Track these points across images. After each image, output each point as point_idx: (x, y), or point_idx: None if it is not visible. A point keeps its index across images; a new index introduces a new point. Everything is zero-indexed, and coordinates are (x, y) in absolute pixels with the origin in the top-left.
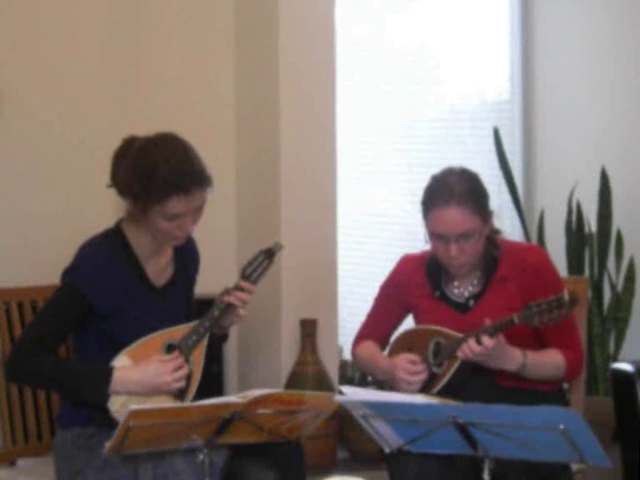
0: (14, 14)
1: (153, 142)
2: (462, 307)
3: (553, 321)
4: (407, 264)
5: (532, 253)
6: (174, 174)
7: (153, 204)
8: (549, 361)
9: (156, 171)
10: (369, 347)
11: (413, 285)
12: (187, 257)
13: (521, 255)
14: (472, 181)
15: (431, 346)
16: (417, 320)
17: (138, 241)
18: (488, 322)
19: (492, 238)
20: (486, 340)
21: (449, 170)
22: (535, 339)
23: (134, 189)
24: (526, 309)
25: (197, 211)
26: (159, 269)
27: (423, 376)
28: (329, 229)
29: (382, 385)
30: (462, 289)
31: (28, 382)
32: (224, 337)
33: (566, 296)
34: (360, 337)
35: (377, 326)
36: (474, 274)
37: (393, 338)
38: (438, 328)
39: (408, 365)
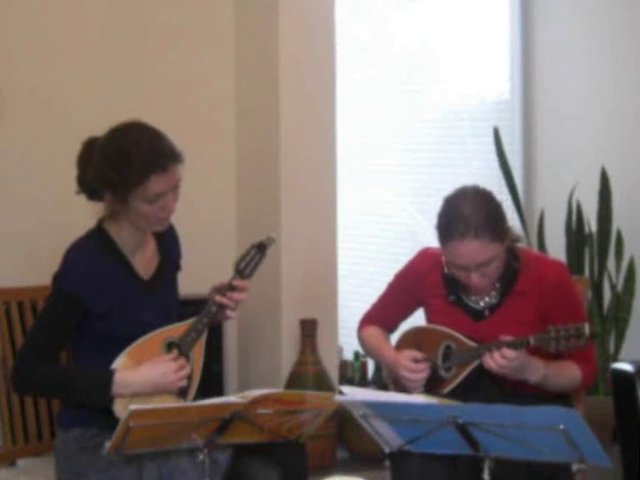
0: (18, 8)
1: (118, 130)
2: (477, 314)
3: (568, 349)
4: (426, 259)
5: (552, 271)
6: (149, 154)
7: (134, 188)
8: (568, 374)
9: (130, 155)
10: (376, 334)
11: (428, 283)
12: (168, 243)
13: (541, 271)
14: (487, 204)
15: (441, 349)
16: (428, 317)
17: (122, 237)
18: (504, 338)
19: (513, 249)
20: (508, 353)
21: (462, 194)
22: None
23: (112, 179)
24: (544, 332)
25: (175, 189)
26: (145, 261)
27: (424, 375)
28: (329, 229)
29: (385, 383)
30: (478, 298)
31: (34, 393)
32: (218, 326)
33: (586, 328)
34: (368, 319)
35: (386, 312)
36: (492, 286)
37: (403, 332)
38: (451, 332)
39: (410, 364)
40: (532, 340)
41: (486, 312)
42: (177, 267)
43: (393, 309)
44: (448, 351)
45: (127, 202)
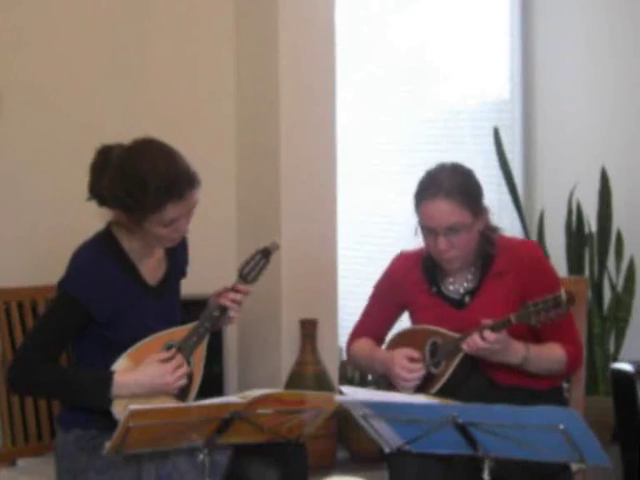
0: (21, 9)
1: (135, 150)
2: (458, 303)
3: (550, 320)
4: (403, 261)
5: (525, 249)
6: (166, 182)
7: (149, 215)
8: (551, 354)
9: (147, 183)
10: (365, 343)
11: (409, 282)
12: (177, 249)
13: (515, 250)
14: (463, 175)
15: (428, 346)
16: (413, 317)
17: (130, 244)
18: (485, 321)
19: (488, 236)
20: (488, 334)
21: (442, 165)
22: (532, 335)
23: (127, 203)
24: (523, 308)
25: (191, 211)
26: (152, 268)
27: (419, 374)
28: (329, 229)
29: (378, 382)
30: (457, 285)
31: (31, 393)
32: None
33: (564, 295)
34: (355, 335)
35: (372, 324)
36: (468, 270)
37: (389, 337)
38: (435, 328)
39: (405, 362)
40: (513, 318)
41: (466, 298)
42: (183, 274)
43: (379, 319)
44: (434, 347)
45: (141, 223)
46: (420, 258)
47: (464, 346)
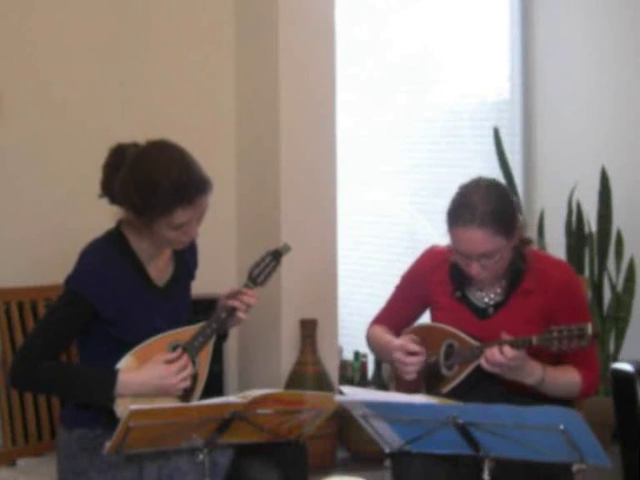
0: (23, 9)
1: (148, 152)
2: (482, 312)
3: (571, 349)
4: (432, 257)
5: (558, 270)
6: (176, 187)
7: (158, 218)
8: (566, 379)
9: (158, 186)
10: (380, 329)
11: (435, 280)
12: (186, 252)
13: (547, 271)
14: (497, 198)
15: (444, 347)
16: (433, 316)
17: (139, 244)
18: (505, 336)
19: (520, 249)
20: (507, 350)
21: (476, 183)
22: (551, 354)
23: (136, 204)
24: (546, 332)
25: (201, 215)
26: (160, 269)
27: (420, 359)
28: (329, 229)
29: (385, 383)
30: (483, 295)
31: (33, 389)
32: (224, 336)
33: (589, 329)
34: (375, 321)
35: (393, 315)
36: (499, 283)
37: (407, 329)
38: (455, 331)
39: (406, 344)
40: (535, 340)
41: (490, 310)
42: (192, 276)
43: (400, 311)
44: (450, 349)
45: (150, 225)
46: (449, 258)
47: (483, 360)
